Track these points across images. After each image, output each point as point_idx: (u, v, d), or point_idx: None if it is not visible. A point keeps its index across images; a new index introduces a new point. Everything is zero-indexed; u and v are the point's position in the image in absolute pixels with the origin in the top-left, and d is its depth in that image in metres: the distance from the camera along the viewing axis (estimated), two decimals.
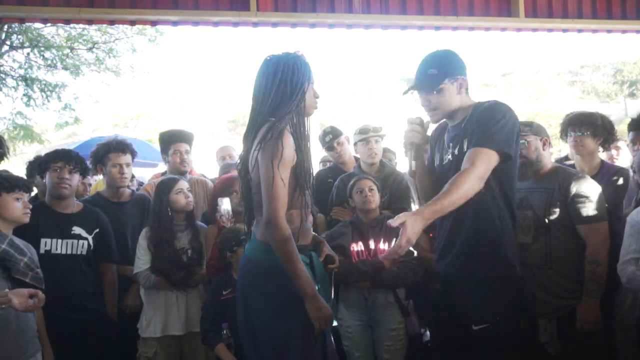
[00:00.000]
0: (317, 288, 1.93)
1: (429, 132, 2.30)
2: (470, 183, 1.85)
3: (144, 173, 6.84)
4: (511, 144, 1.97)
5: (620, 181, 2.74)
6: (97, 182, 4.16)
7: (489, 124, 1.95)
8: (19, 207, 2.28)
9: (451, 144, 2.11)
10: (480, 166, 1.89)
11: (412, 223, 1.76)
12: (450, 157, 2.11)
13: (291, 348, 1.84)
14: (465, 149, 2.01)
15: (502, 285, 2.01)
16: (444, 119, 2.17)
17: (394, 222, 1.79)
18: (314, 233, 2.12)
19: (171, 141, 3.41)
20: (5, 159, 2.94)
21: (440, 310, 2.21)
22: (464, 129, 2.06)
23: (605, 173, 2.76)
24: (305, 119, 1.98)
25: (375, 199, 2.91)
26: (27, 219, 2.34)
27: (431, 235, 2.80)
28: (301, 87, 1.92)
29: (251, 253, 1.97)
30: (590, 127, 2.75)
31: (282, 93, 1.91)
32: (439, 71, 2.06)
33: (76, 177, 2.74)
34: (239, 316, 1.99)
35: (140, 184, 4.53)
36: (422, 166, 2.24)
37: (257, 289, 1.91)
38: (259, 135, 1.88)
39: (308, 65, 1.98)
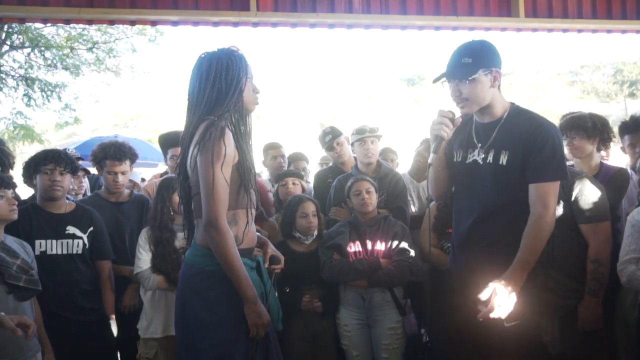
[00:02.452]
0: (266, 292, 1.90)
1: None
2: (546, 231, 1.91)
3: (144, 173, 6.85)
4: (566, 166, 2.01)
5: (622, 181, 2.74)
6: None
7: (550, 153, 1.93)
8: (2, 204, 2.22)
9: (480, 145, 2.06)
10: (551, 206, 1.92)
11: (501, 291, 1.79)
12: (479, 159, 2.05)
13: (231, 356, 1.77)
14: (503, 163, 1.98)
15: (527, 284, 1.95)
16: (472, 113, 2.09)
17: (483, 295, 1.80)
18: (257, 233, 2.06)
19: (168, 146, 3.40)
20: (10, 169, 2.93)
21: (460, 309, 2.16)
22: (498, 135, 2.01)
23: (605, 174, 2.76)
24: (245, 116, 1.93)
25: (372, 200, 2.91)
26: (15, 216, 2.28)
27: (449, 231, 2.80)
28: (237, 84, 1.85)
29: (191, 258, 1.89)
30: (580, 129, 2.73)
31: (217, 91, 1.84)
32: (474, 60, 1.94)
33: (67, 178, 2.72)
34: (176, 323, 1.92)
35: (142, 180, 4.49)
36: (440, 159, 2.18)
37: (198, 295, 1.82)
38: (196, 135, 1.81)
39: (244, 59, 1.90)
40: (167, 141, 3.44)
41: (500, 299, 1.78)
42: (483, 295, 1.79)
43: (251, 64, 1.93)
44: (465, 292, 2.11)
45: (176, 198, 2.77)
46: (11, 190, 2.30)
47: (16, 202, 2.30)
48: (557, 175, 1.94)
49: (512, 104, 2.08)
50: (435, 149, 2.03)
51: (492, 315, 1.79)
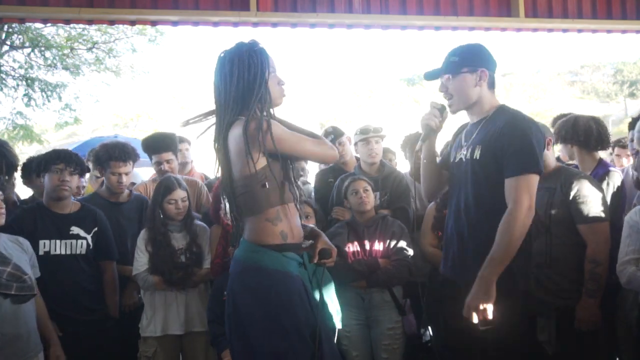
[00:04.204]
0: (311, 288, 1.87)
1: (447, 124, 2.27)
2: (517, 227, 1.85)
3: (144, 173, 6.84)
4: (542, 161, 1.95)
5: (609, 183, 2.72)
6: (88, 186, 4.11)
7: (518, 146, 1.90)
8: None
9: (465, 144, 2.09)
10: (522, 201, 1.86)
11: (472, 300, 1.88)
12: (462, 156, 2.08)
13: (287, 349, 1.76)
14: (477, 157, 1.99)
15: (508, 293, 1.96)
16: (463, 111, 2.13)
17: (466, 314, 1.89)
18: (312, 226, 2.06)
19: (150, 152, 3.41)
20: (15, 170, 2.92)
21: (449, 311, 2.18)
22: (479, 132, 2.03)
23: (596, 173, 2.76)
24: (273, 110, 1.89)
25: (370, 199, 2.91)
26: (2, 221, 2.20)
27: (439, 234, 2.81)
28: (261, 81, 1.82)
29: (240, 254, 1.87)
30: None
31: (242, 91, 1.80)
32: (460, 59, 2.05)
33: (75, 179, 2.74)
34: (227, 319, 1.88)
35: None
36: (429, 152, 2.21)
37: (249, 290, 1.80)
38: (232, 141, 1.79)
39: (264, 53, 1.86)
40: (150, 148, 3.43)
41: (476, 311, 1.86)
42: (466, 315, 1.88)
43: (272, 55, 1.89)
44: (451, 293, 2.14)
45: (166, 205, 2.78)
46: (0, 193, 2.24)
47: (4, 206, 2.23)
48: (523, 169, 1.87)
49: (503, 105, 2.09)
50: (424, 138, 2.16)
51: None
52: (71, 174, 2.67)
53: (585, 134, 2.81)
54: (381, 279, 2.77)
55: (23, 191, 3.71)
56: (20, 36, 11.50)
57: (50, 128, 19.48)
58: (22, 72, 11.69)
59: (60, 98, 11.85)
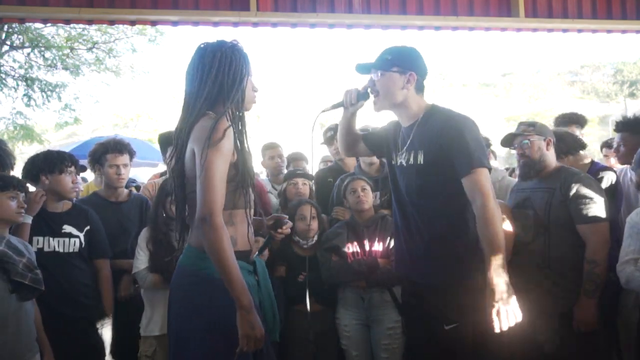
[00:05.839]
0: (257, 299, 1.78)
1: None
2: (495, 217, 1.86)
3: (144, 173, 6.84)
4: (485, 154, 1.99)
5: (605, 181, 2.74)
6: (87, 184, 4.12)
7: (464, 144, 1.92)
8: (13, 206, 2.28)
9: (404, 148, 2.11)
10: (488, 192, 1.88)
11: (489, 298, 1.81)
12: (403, 161, 2.10)
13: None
14: (420, 162, 2.02)
15: (466, 288, 1.98)
16: (388, 110, 2.15)
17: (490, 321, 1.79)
18: (257, 218, 1.99)
19: (168, 144, 3.39)
20: (11, 169, 2.94)
21: (412, 310, 2.22)
22: (414, 136, 2.06)
23: (590, 173, 2.76)
24: (244, 114, 1.84)
25: (368, 199, 2.91)
26: (21, 219, 2.36)
27: None
28: (240, 81, 1.76)
29: (184, 260, 1.78)
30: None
31: (219, 86, 1.74)
32: (392, 58, 2.07)
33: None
34: (168, 325, 1.82)
35: (133, 181, 4.45)
36: (345, 125, 2.34)
37: (189, 299, 1.71)
38: (196, 131, 1.70)
39: (246, 55, 1.81)
40: (166, 140, 3.43)
41: (501, 315, 1.79)
42: (491, 322, 1.81)
43: (251, 61, 1.87)
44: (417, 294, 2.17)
45: (168, 205, 2.77)
46: (23, 194, 2.35)
47: (25, 206, 2.36)
48: (481, 162, 1.91)
49: (433, 105, 2.11)
50: (333, 107, 2.28)
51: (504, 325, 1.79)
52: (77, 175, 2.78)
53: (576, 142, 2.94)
54: (381, 278, 2.76)
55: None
56: (20, 36, 11.51)
57: (50, 128, 19.52)
58: (22, 72, 11.71)
59: (60, 98, 11.87)
